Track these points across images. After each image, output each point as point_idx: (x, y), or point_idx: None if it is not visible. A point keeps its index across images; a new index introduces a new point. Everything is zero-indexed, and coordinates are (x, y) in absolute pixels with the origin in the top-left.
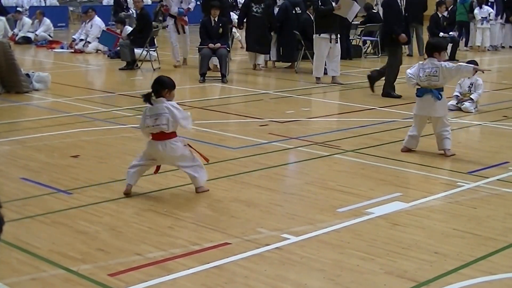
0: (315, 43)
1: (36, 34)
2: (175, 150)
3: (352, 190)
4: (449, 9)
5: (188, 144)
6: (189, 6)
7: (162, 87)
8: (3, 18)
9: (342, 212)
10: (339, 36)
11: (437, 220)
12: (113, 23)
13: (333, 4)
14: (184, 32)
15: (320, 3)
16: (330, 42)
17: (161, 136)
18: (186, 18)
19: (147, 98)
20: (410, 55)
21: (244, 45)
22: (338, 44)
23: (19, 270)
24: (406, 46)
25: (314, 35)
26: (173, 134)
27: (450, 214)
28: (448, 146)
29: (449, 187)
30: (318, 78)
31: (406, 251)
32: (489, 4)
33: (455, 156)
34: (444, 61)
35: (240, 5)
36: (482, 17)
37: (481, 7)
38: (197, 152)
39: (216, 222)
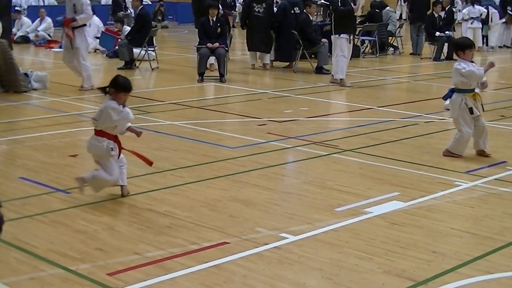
0: (336, 44)
1: (37, 30)
2: (95, 148)
3: (350, 189)
4: (447, 9)
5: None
6: (77, 17)
7: (110, 85)
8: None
9: (340, 212)
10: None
11: (435, 220)
12: (112, 22)
13: (351, 5)
14: (72, 47)
15: (340, 4)
16: (349, 42)
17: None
18: (81, 33)
19: (103, 90)
20: (416, 53)
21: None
22: (351, 45)
23: (18, 269)
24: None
25: (332, 36)
26: (100, 133)
27: (448, 213)
28: (449, 147)
29: (447, 186)
30: (342, 79)
31: (404, 251)
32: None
33: (452, 155)
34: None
35: (236, 5)
36: (472, 17)
37: (473, 6)
38: (139, 155)
39: (214, 222)
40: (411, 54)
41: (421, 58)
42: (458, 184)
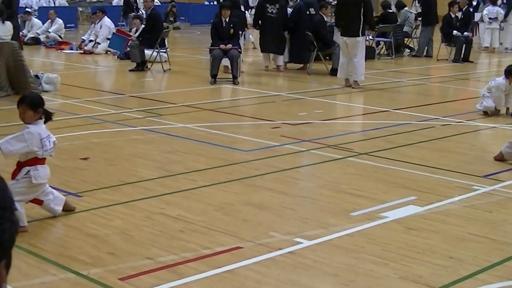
0: (362, 46)
1: (48, 32)
2: None
3: (366, 193)
4: (464, 9)
5: None
6: None
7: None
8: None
9: (355, 216)
10: None
11: (452, 225)
12: (123, 23)
13: None
14: None
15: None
16: None
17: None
18: None
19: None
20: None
21: (257, 46)
22: None
23: (28, 273)
24: (426, 48)
25: (359, 38)
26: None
27: (465, 218)
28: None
29: (465, 190)
30: (357, 81)
31: (420, 256)
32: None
33: (470, 159)
34: None
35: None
36: (491, 18)
37: (493, 6)
38: None
39: (227, 226)
40: (425, 56)
41: (438, 60)
42: (476, 188)
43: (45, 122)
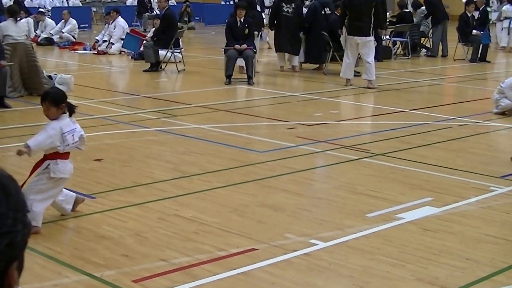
0: (373, 45)
1: (62, 32)
2: None
3: (382, 194)
4: (481, 9)
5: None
6: None
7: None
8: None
9: (371, 217)
10: None
11: (469, 226)
12: (137, 24)
13: None
14: None
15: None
16: None
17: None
18: None
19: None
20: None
21: (272, 46)
22: None
23: (41, 275)
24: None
25: (370, 37)
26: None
27: (482, 219)
28: None
29: (481, 191)
30: (370, 81)
31: (437, 258)
32: None
33: (487, 160)
34: None
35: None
36: (509, 17)
37: (511, 5)
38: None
39: (242, 228)
40: (442, 56)
41: (455, 60)
42: (493, 189)
43: (70, 116)
